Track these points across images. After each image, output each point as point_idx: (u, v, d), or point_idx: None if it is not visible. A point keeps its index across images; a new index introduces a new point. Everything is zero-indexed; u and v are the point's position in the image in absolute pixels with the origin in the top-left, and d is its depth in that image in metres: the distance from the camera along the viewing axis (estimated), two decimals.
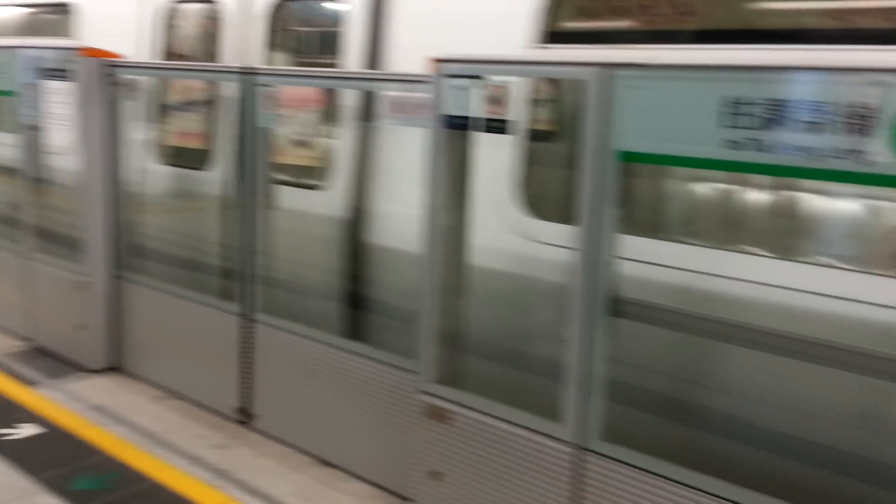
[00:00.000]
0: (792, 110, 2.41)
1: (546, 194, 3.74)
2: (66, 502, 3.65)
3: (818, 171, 2.41)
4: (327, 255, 4.54)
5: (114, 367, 5.18)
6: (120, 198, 5.13)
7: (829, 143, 2.35)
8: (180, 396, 4.81)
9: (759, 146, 2.46)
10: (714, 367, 3.23)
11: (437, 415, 3.44)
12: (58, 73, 5.03)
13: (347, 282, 4.49)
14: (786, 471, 3.05)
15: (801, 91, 2.40)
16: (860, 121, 2.30)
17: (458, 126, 3.26)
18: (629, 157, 2.79)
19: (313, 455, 4.15)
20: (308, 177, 4.81)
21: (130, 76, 4.95)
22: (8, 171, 5.83)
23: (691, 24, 3.44)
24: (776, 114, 2.43)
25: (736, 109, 2.50)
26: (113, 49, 5.02)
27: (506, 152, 3.71)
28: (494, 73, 3.19)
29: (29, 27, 7.36)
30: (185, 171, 5.50)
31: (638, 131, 2.74)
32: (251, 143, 4.21)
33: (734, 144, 2.51)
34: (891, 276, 2.93)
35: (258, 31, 5.04)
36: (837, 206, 3.33)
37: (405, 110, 3.48)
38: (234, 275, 4.43)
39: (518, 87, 3.57)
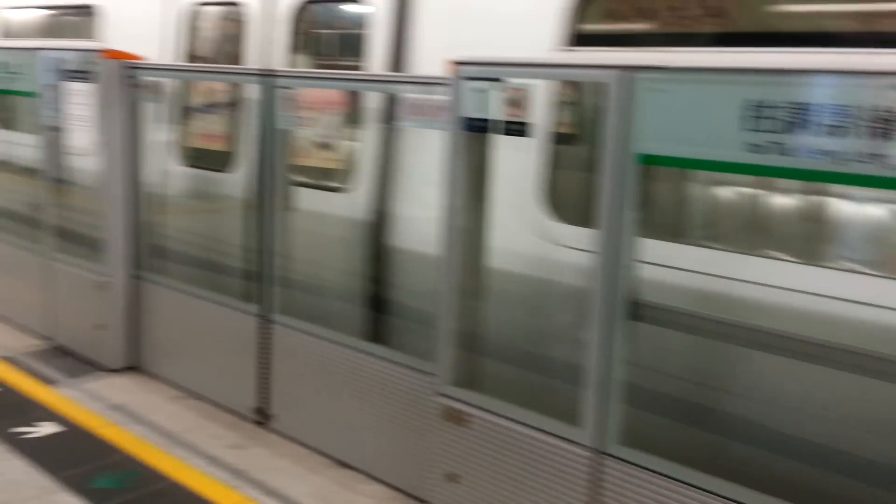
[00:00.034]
0: (815, 114, 2.39)
1: (570, 198, 3.72)
2: (85, 501, 3.67)
3: (841, 175, 2.39)
4: (349, 257, 4.55)
5: (133, 367, 5.21)
6: (140, 199, 5.17)
7: (851, 147, 2.33)
8: (198, 396, 4.83)
9: (782, 150, 2.44)
10: (734, 372, 3.20)
11: (455, 417, 3.44)
12: (79, 75, 5.07)
13: (368, 284, 4.49)
14: (808, 477, 3.02)
15: (823, 94, 2.38)
16: (883, 124, 2.28)
17: (477, 129, 3.25)
18: (650, 161, 2.78)
19: (330, 456, 4.15)
20: (331, 179, 4.82)
21: (151, 78, 4.98)
22: (29, 171, 5.89)
23: (720, 27, 3.40)
24: (799, 117, 2.41)
25: (758, 113, 2.48)
26: (136, 51, 5.06)
27: (529, 155, 3.70)
28: (513, 76, 3.18)
29: (52, 29, 7.42)
30: (208, 173, 5.52)
31: (659, 134, 2.73)
32: (270, 144, 4.23)
33: (756, 148, 2.49)
34: None
35: (281, 34, 5.06)
36: (860, 210, 3.30)
37: (423, 112, 3.47)
38: (253, 276, 4.45)
39: (542, 90, 3.56)
